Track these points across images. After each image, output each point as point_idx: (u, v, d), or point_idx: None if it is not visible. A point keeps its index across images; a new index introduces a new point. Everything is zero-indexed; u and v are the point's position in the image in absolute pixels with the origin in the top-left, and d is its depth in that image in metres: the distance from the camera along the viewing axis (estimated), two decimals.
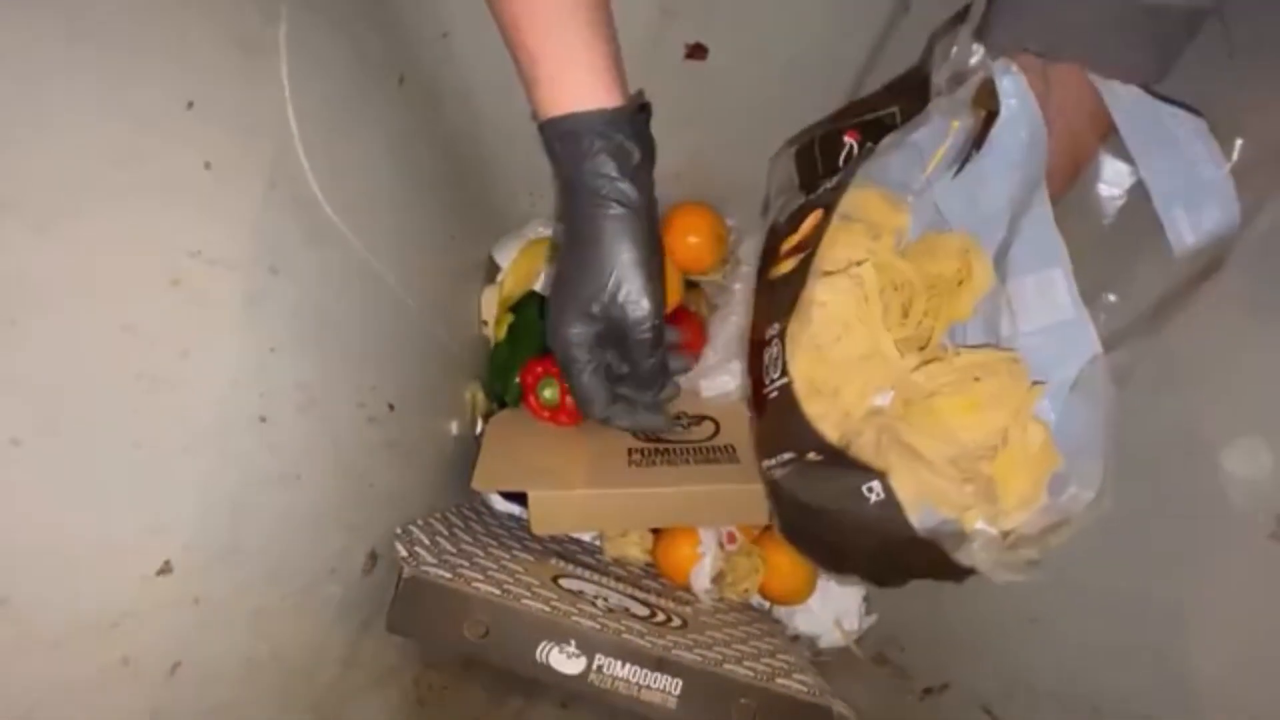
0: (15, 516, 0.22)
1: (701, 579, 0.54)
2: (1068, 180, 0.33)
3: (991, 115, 0.32)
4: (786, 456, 0.35)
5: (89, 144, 0.23)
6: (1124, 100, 0.30)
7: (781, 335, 0.35)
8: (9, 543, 0.22)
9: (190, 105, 0.26)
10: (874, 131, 0.40)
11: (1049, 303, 0.32)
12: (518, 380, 0.58)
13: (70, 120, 0.22)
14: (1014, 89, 0.31)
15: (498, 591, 0.42)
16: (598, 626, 0.42)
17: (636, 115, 0.34)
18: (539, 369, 0.55)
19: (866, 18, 0.43)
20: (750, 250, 0.58)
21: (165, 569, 0.27)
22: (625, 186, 0.34)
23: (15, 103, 0.21)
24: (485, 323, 0.62)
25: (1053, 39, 0.30)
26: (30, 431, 0.21)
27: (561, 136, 0.33)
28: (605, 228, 0.35)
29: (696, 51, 0.46)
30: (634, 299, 0.36)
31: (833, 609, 0.55)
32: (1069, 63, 0.30)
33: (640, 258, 0.35)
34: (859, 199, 0.36)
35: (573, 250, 0.36)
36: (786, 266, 0.37)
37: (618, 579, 0.52)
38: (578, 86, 0.32)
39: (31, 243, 0.21)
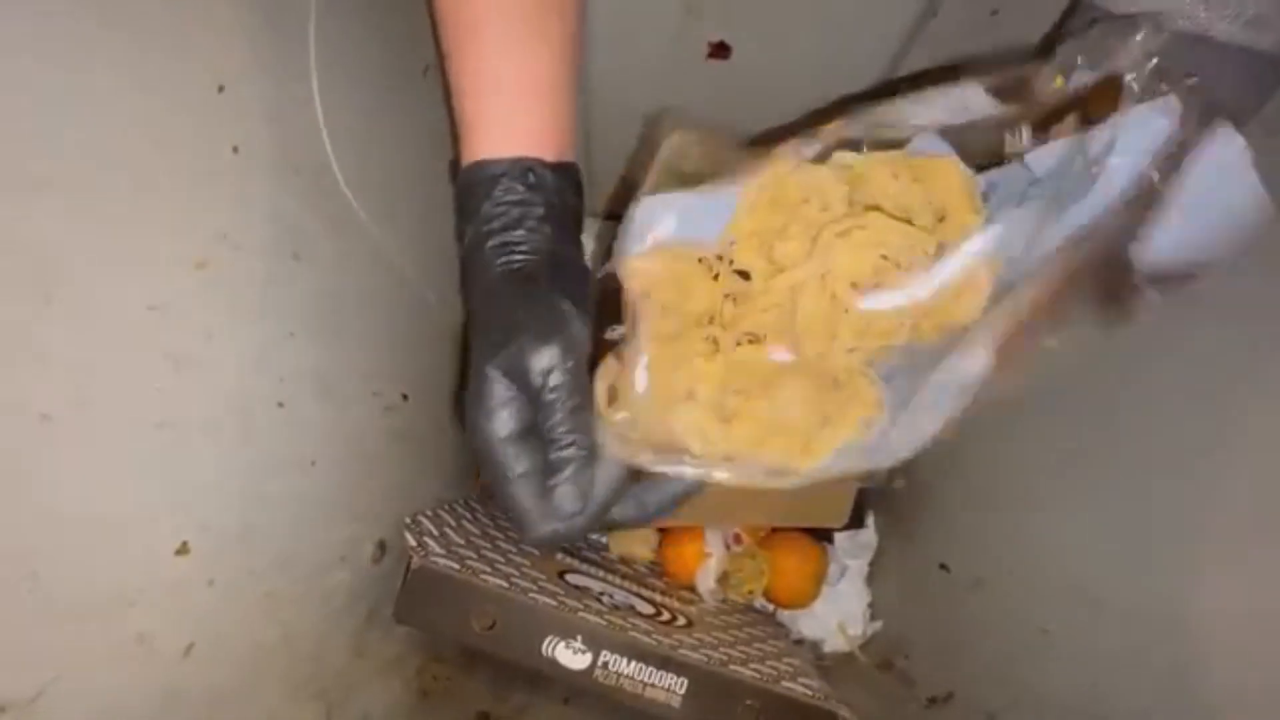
0: (47, 491, 0.22)
1: (707, 579, 0.54)
2: None
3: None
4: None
5: (122, 125, 0.23)
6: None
7: None
8: (42, 518, 0.22)
9: (221, 89, 0.27)
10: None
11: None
12: None
13: (104, 101, 0.22)
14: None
15: (505, 584, 0.42)
16: (604, 623, 0.42)
17: (557, 171, 0.29)
18: None
19: (892, 20, 0.42)
20: None
21: (183, 549, 0.27)
22: (522, 234, 0.28)
23: (51, 84, 0.21)
24: None
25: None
26: (62, 407, 0.22)
27: (464, 187, 0.29)
28: (501, 282, 0.28)
29: (719, 51, 0.46)
30: (535, 349, 0.26)
31: (837, 614, 0.55)
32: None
33: (548, 307, 0.27)
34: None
35: (473, 320, 0.29)
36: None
37: (623, 577, 0.52)
38: (489, 136, 0.28)
39: (65, 221, 0.22)
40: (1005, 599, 0.44)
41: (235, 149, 0.28)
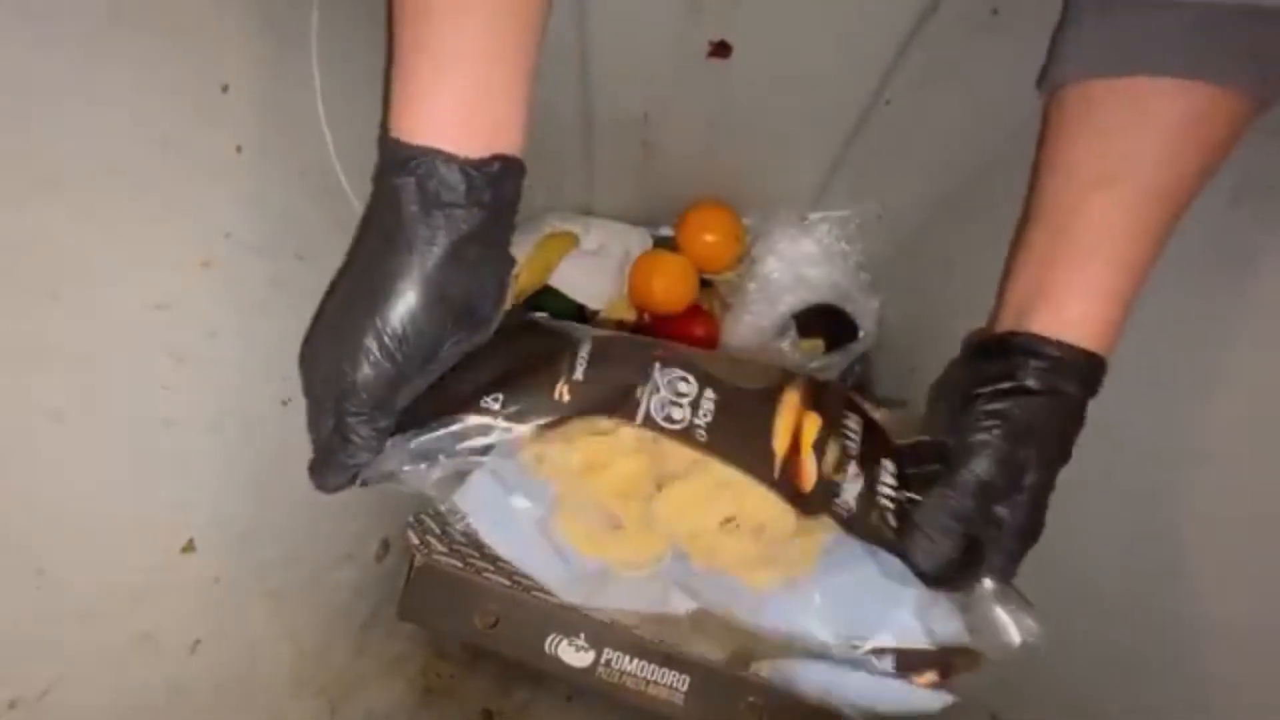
0: (55, 489, 0.22)
1: None
2: (1177, 200, 0.29)
3: None
4: None
5: (127, 125, 0.23)
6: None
7: None
8: (52, 515, 0.22)
9: (225, 89, 0.27)
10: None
11: None
12: None
13: (108, 101, 0.23)
14: None
15: (508, 582, 0.42)
16: (607, 620, 0.42)
17: (484, 168, 0.26)
18: None
19: (893, 18, 0.42)
20: (766, 248, 0.58)
21: (189, 547, 0.27)
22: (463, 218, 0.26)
23: (55, 85, 0.21)
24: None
25: (1146, 53, 0.27)
26: (72, 405, 0.22)
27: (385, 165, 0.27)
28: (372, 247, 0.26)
29: (720, 49, 0.46)
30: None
31: None
32: (1166, 76, 0.27)
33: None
34: None
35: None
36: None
37: None
38: (421, 117, 0.26)
39: (71, 221, 0.22)
40: None
41: (239, 149, 0.28)
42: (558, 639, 0.41)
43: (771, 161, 0.54)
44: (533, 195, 0.63)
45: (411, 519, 0.45)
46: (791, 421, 0.31)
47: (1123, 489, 0.36)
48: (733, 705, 0.41)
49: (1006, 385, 0.29)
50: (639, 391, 0.31)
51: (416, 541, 0.43)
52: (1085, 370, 0.29)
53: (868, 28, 0.43)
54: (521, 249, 0.62)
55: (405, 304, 0.26)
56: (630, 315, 0.65)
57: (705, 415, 0.31)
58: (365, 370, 0.26)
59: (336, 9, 0.32)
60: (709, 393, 0.31)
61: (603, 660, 0.41)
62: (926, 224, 0.56)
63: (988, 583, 0.30)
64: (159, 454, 0.25)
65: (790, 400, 0.32)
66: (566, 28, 0.43)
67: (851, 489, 0.31)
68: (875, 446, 0.33)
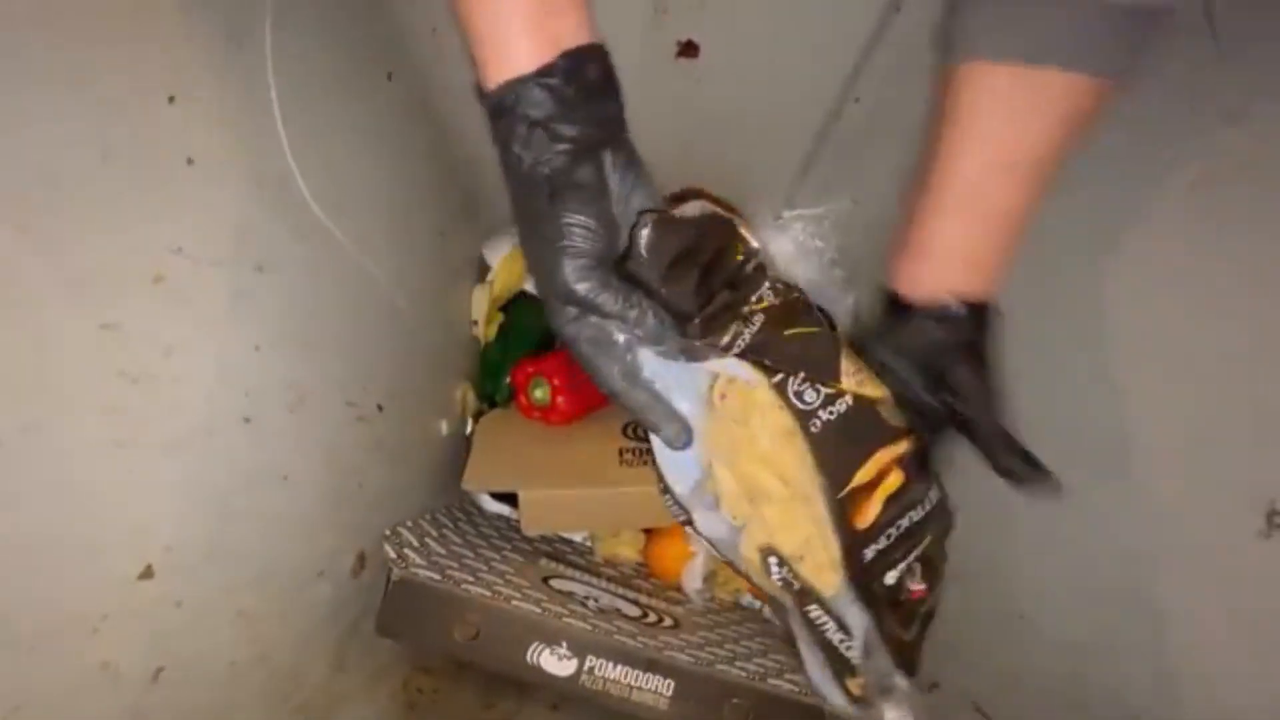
0: (2, 518, 0.21)
1: (693, 579, 0.54)
2: (1041, 180, 0.33)
3: None
4: None
5: (69, 140, 0.22)
6: None
7: None
8: None
9: (171, 100, 0.26)
10: None
11: None
12: (508, 380, 0.58)
13: (48, 116, 0.22)
14: None
15: (488, 593, 0.42)
16: (589, 628, 0.42)
17: (576, 66, 0.28)
18: (529, 369, 0.55)
19: (857, 17, 0.43)
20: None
21: (147, 573, 0.26)
22: (564, 128, 0.27)
23: None
24: (475, 322, 0.62)
25: (1030, 44, 0.30)
26: (9, 431, 0.21)
27: (493, 110, 0.28)
28: (549, 183, 0.27)
29: (688, 49, 0.46)
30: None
31: None
32: (1049, 67, 0.30)
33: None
34: None
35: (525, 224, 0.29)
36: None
37: (609, 579, 0.52)
38: (506, 54, 0.27)
39: (12, 240, 0.21)
40: (986, 587, 0.44)
41: (190, 160, 0.27)
42: (540, 648, 0.41)
43: (744, 161, 0.54)
44: (506, 201, 0.62)
45: (388, 532, 0.45)
46: (882, 464, 0.32)
47: (1099, 482, 0.37)
48: (717, 708, 0.41)
49: (969, 353, 0.33)
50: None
51: (393, 555, 0.42)
52: (967, 319, 0.33)
53: (834, 27, 0.43)
54: (497, 254, 0.61)
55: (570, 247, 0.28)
56: None
57: (831, 414, 0.31)
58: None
59: (291, 16, 0.32)
60: (848, 398, 0.31)
61: (586, 668, 0.41)
62: (899, 219, 0.57)
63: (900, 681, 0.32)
64: (111, 478, 0.24)
65: (895, 450, 0.32)
66: None
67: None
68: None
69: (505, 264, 0.61)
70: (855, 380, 0.32)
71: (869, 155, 0.51)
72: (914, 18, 0.40)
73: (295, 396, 0.34)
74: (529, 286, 0.62)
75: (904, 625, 0.33)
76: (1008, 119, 0.32)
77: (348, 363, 0.40)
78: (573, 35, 0.28)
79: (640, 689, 0.41)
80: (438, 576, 0.42)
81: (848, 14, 0.43)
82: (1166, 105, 0.34)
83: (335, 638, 0.40)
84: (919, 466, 0.33)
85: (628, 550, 0.58)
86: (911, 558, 0.33)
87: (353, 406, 0.41)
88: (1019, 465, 0.33)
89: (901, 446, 0.32)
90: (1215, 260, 0.31)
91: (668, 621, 0.47)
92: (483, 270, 0.63)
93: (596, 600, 0.46)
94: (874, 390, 0.32)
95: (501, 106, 0.27)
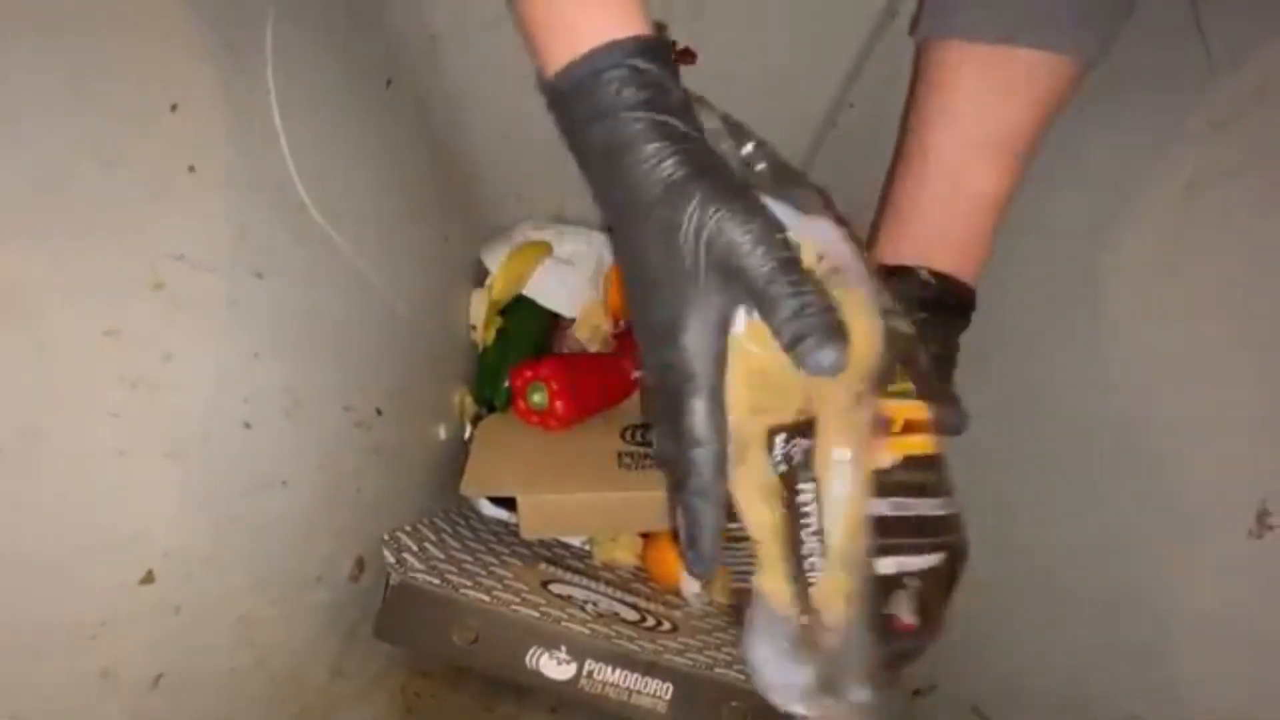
0: (2, 525, 0.21)
1: (691, 583, 0.54)
2: (1017, 159, 0.33)
3: None
4: None
5: (71, 148, 0.23)
6: None
7: None
8: None
9: (174, 108, 0.26)
10: None
11: None
12: (506, 384, 0.58)
13: (51, 124, 0.22)
14: None
15: (487, 598, 0.42)
16: (588, 632, 0.42)
17: (666, 46, 0.27)
18: (528, 373, 0.55)
19: (853, 24, 0.43)
20: None
21: (147, 578, 0.26)
22: (671, 121, 0.25)
23: None
24: (474, 327, 0.62)
25: (1002, 24, 0.31)
26: (10, 438, 0.21)
27: (576, 87, 0.25)
28: (671, 187, 0.24)
29: (685, 56, 0.46)
30: (744, 249, 0.24)
31: None
32: (1022, 46, 0.31)
33: (727, 196, 0.24)
34: None
35: (631, 234, 0.26)
36: None
37: (607, 583, 0.52)
38: (590, 23, 0.25)
39: (14, 246, 0.21)
40: (984, 589, 0.45)
41: (191, 168, 0.27)
42: (539, 652, 0.41)
43: None
44: (505, 205, 0.63)
45: (386, 536, 0.45)
46: (911, 414, 0.29)
47: (1092, 482, 0.37)
48: (716, 711, 0.41)
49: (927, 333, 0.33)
50: None
51: (392, 559, 0.42)
52: (944, 296, 0.34)
53: (829, 34, 0.44)
54: (496, 259, 0.62)
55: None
56: (606, 322, 0.65)
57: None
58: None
59: (291, 24, 0.32)
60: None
61: (585, 672, 0.41)
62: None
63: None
64: (112, 485, 0.25)
65: (925, 411, 0.30)
66: None
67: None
68: None
69: (504, 268, 0.61)
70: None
71: (864, 160, 0.51)
72: (908, 24, 0.40)
73: (293, 402, 0.35)
74: (527, 290, 0.62)
75: (880, 644, 0.29)
76: (980, 98, 0.33)
77: (346, 368, 0.40)
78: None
79: (639, 693, 0.41)
80: (436, 581, 0.42)
81: (843, 20, 0.43)
82: (1159, 110, 0.34)
83: (334, 643, 0.40)
84: (945, 461, 0.30)
85: (626, 554, 0.58)
86: (914, 564, 0.30)
87: (351, 411, 0.41)
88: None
89: (931, 413, 0.29)
90: (1208, 262, 0.32)
91: (666, 625, 0.47)
92: (481, 274, 0.63)
93: (595, 604, 0.47)
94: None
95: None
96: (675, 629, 0.47)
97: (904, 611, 0.30)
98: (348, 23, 0.37)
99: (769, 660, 0.29)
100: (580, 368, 0.57)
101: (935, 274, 0.33)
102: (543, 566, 0.51)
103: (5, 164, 0.21)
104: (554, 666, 0.41)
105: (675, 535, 0.33)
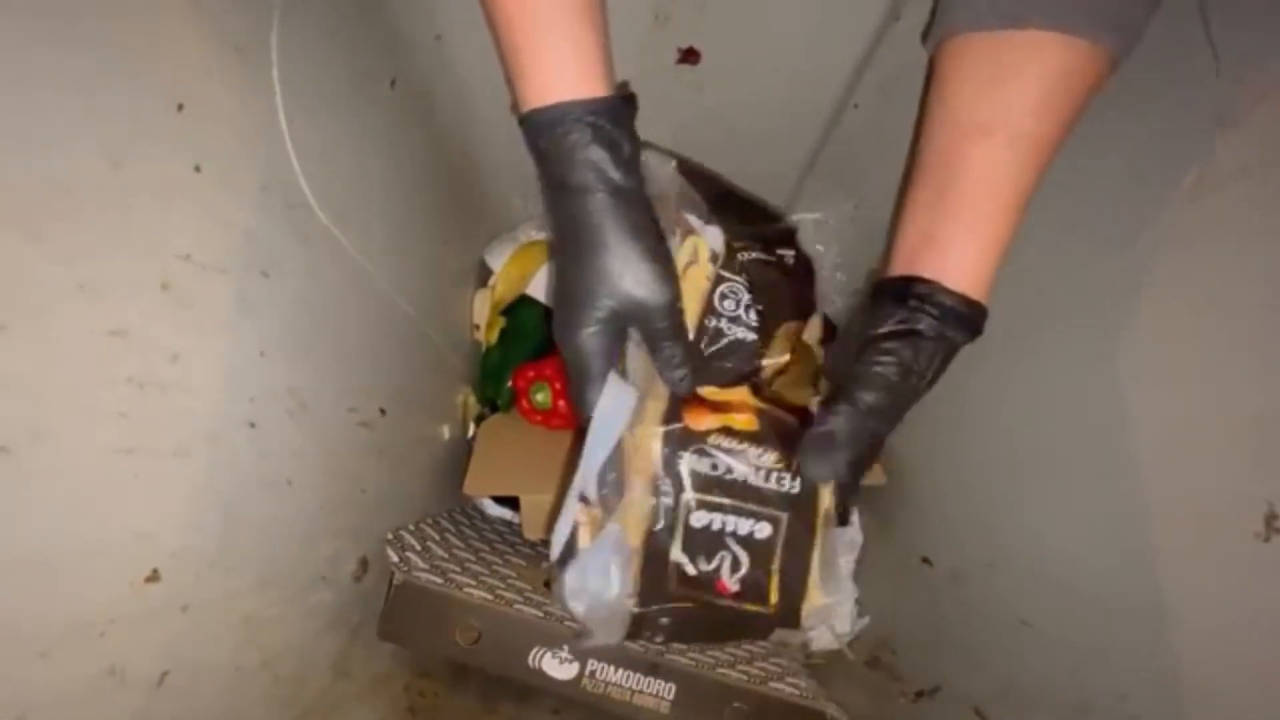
0: (4, 523, 0.21)
1: None
2: (1045, 150, 0.32)
3: None
4: None
5: (78, 148, 0.23)
6: None
7: None
8: (3, 551, 0.21)
9: (180, 108, 0.26)
10: None
11: None
12: (509, 384, 0.58)
13: (58, 124, 0.22)
14: None
15: (490, 597, 0.42)
16: None
17: (623, 107, 0.33)
18: (531, 373, 0.55)
19: (857, 25, 0.43)
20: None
21: (153, 577, 0.26)
22: (617, 175, 0.32)
23: (2, 107, 0.20)
24: (477, 327, 0.62)
25: (1027, 8, 0.30)
26: (19, 438, 0.21)
27: (546, 127, 0.32)
28: (602, 221, 0.32)
29: (689, 55, 0.46)
30: (647, 288, 0.33)
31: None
32: (1039, 30, 0.30)
33: (646, 246, 0.33)
34: None
35: (570, 250, 0.34)
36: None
37: None
38: (562, 77, 0.31)
39: (23, 247, 0.21)
40: (986, 592, 0.45)
41: (197, 168, 0.27)
42: (541, 652, 0.41)
43: (745, 166, 0.55)
44: (509, 205, 0.63)
45: (390, 536, 0.45)
46: (739, 399, 0.38)
47: (1097, 484, 0.37)
48: (718, 712, 0.41)
49: (902, 329, 0.33)
50: None
51: (395, 559, 0.42)
52: (970, 319, 0.33)
53: (833, 34, 0.44)
54: (499, 259, 0.62)
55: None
56: None
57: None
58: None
59: (297, 22, 0.32)
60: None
61: (587, 671, 0.41)
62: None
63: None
64: (118, 484, 0.25)
65: (754, 400, 0.38)
66: None
67: None
68: None
69: (507, 268, 0.61)
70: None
71: (868, 161, 0.51)
72: (913, 25, 0.40)
73: (299, 402, 0.35)
74: (530, 290, 0.62)
75: (677, 584, 0.36)
76: (972, 84, 0.32)
77: (351, 367, 0.40)
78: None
79: (642, 693, 0.41)
80: (439, 580, 0.42)
81: (847, 21, 0.43)
82: (1163, 111, 0.34)
83: (338, 643, 0.40)
84: (794, 447, 0.35)
85: None
86: (739, 526, 0.35)
87: (355, 411, 0.41)
88: (839, 498, 0.35)
89: (760, 405, 0.36)
90: (1214, 264, 0.32)
91: None
92: (484, 274, 0.63)
93: None
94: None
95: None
96: None
97: (726, 576, 0.35)
98: (352, 22, 0.37)
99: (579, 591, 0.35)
100: None
101: (932, 282, 0.32)
102: (546, 566, 0.51)
103: (12, 163, 0.21)
104: (556, 666, 0.41)
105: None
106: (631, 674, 0.41)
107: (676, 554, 0.35)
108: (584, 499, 0.35)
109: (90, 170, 0.23)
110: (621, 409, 0.34)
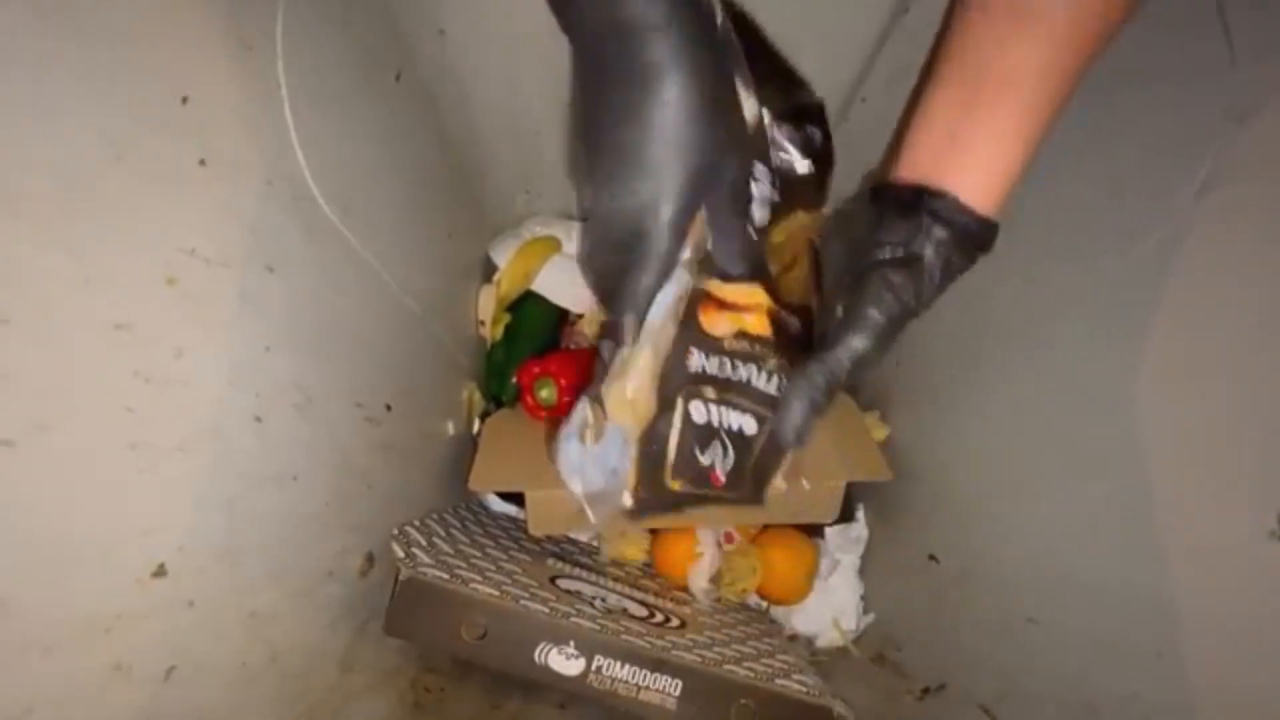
0: (9, 518, 0.21)
1: (700, 579, 0.54)
2: (1084, 45, 0.29)
3: None
4: None
5: (83, 141, 0.23)
6: None
7: None
8: (9, 546, 0.21)
9: (185, 101, 0.26)
10: None
11: None
12: (514, 380, 0.58)
13: (63, 117, 0.22)
14: None
15: (496, 592, 0.42)
16: (596, 627, 0.42)
17: None
18: (536, 369, 0.55)
19: (865, 17, 0.43)
20: None
21: (160, 572, 0.26)
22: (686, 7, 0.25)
23: (8, 101, 0.20)
24: (482, 323, 0.62)
25: None
26: (24, 432, 0.21)
27: None
28: (665, 65, 0.25)
29: None
30: (720, 151, 0.27)
31: (830, 608, 0.55)
32: None
33: (719, 99, 0.27)
34: None
35: (617, 107, 0.26)
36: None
37: (615, 579, 0.52)
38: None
39: (28, 240, 0.21)
40: (993, 589, 0.44)
41: (202, 161, 0.27)
42: (548, 648, 0.41)
43: None
44: (514, 201, 0.62)
45: (396, 531, 0.45)
46: (753, 298, 0.35)
47: (1106, 481, 0.37)
48: (724, 708, 0.41)
49: (904, 254, 0.30)
50: None
51: (401, 554, 0.42)
52: (981, 239, 0.30)
53: (842, 28, 0.43)
54: (504, 254, 0.61)
55: None
56: None
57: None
58: None
59: (302, 16, 0.32)
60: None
61: (594, 667, 0.41)
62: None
63: None
64: (124, 479, 0.25)
65: (769, 301, 0.36)
66: (543, 33, 0.42)
67: None
68: None
69: (512, 264, 0.61)
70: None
71: (876, 156, 0.51)
72: (922, 18, 0.39)
73: (305, 397, 0.34)
74: (535, 286, 0.62)
75: (672, 477, 0.33)
76: (993, 25, 0.29)
77: (356, 363, 0.40)
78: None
79: (648, 689, 0.41)
80: (445, 576, 0.42)
81: (855, 14, 0.43)
82: (1177, 103, 0.34)
83: (344, 638, 0.40)
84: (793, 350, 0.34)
85: (635, 550, 0.58)
86: (733, 421, 0.34)
87: (361, 407, 0.41)
88: (799, 421, 0.31)
89: (773, 305, 0.35)
90: (1223, 259, 0.31)
91: (675, 621, 0.47)
92: (489, 270, 0.63)
93: (604, 600, 0.47)
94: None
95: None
96: (684, 625, 0.47)
97: (719, 466, 0.34)
98: (357, 16, 0.37)
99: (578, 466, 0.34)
100: (588, 364, 0.57)
101: (943, 192, 0.30)
102: (551, 562, 0.51)
103: (17, 157, 0.21)
104: (562, 662, 0.41)
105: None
106: (638, 670, 0.41)
107: (673, 446, 0.34)
108: (597, 400, 0.34)
109: (95, 163, 0.23)
110: (667, 298, 0.31)
